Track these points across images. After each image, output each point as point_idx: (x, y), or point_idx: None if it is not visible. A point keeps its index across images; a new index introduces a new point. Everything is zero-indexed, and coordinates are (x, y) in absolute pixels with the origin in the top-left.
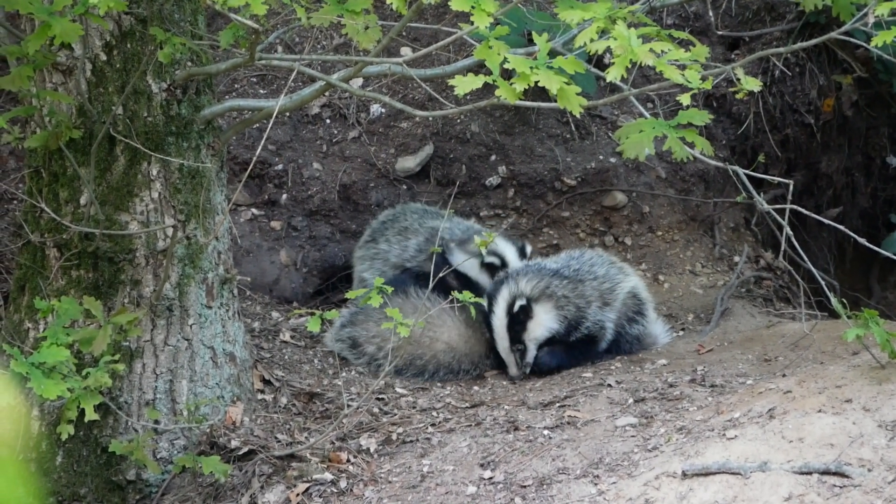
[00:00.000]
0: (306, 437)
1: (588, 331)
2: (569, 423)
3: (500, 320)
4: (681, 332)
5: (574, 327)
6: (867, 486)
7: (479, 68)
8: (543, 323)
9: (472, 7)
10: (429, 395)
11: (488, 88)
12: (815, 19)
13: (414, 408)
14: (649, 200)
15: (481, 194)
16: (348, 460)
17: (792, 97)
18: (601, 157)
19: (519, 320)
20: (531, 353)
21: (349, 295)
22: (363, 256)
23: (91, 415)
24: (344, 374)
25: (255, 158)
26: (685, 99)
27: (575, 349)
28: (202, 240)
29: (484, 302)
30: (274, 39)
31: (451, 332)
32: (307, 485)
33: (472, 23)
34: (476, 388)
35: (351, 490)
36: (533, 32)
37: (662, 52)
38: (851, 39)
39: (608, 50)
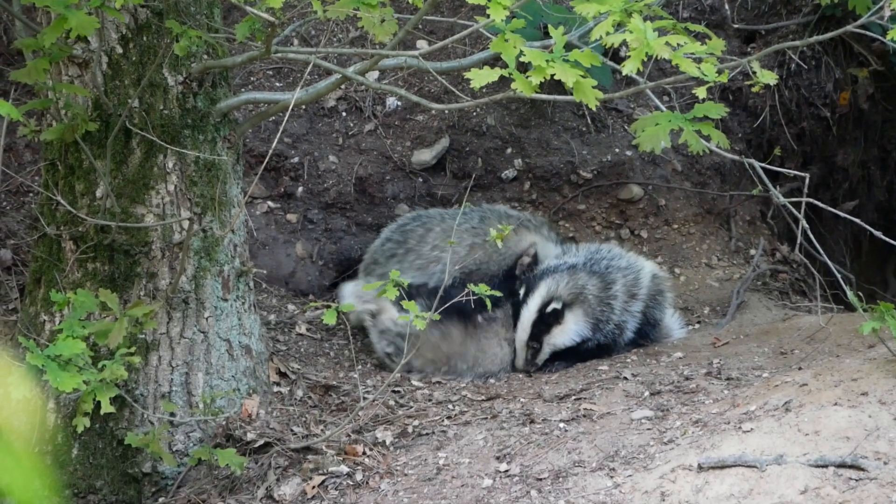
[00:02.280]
0: (322, 430)
1: (605, 337)
2: (584, 415)
3: (528, 314)
4: (697, 325)
5: (598, 328)
6: (883, 479)
7: (495, 61)
8: (569, 332)
9: (488, 0)
10: (445, 388)
11: (504, 81)
12: (831, 12)
13: (430, 400)
14: (665, 193)
15: (497, 187)
16: (364, 453)
17: (808, 90)
18: (617, 150)
19: (546, 322)
20: (543, 356)
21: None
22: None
23: (107, 407)
24: (360, 366)
25: (271, 151)
26: (701, 92)
27: (585, 356)
28: (218, 232)
29: (498, 294)
30: (290, 32)
31: (496, 360)
32: (323, 477)
33: (488, 16)
34: (492, 380)
35: (367, 483)
36: (549, 25)
37: (678, 45)
38: (867, 33)
39: (624, 43)
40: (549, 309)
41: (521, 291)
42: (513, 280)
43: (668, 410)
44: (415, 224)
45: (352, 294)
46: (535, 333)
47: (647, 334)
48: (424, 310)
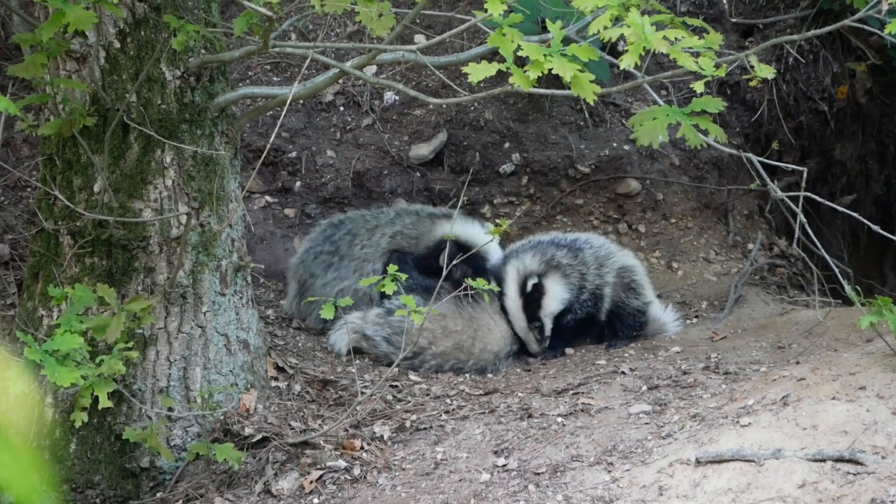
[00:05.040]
0: (320, 425)
1: (581, 309)
2: (582, 410)
3: (513, 302)
4: (694, 320)
5: (578, 295)
6: (881, 473)
7: (493, 56)
8: (556, 296)
9: None
10: (442, 383)
11: (502, 76)
12: (829, 6)
13: (427, 395)
14: (663, 188)
15: (495, 182)
16: (362, 447)
17: (806, 84)
18: (615, 145)
19: (533, 299)
20: (548, 327)
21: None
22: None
23: (105, 402)
24: (357, 361)
25: (268, 146)
26: (699, 86)
27: (575, 332)
28: (216, 227)
29: (496, 288)
30: (288, 27)
31: (496, 334)
32: (321, 472)
33: (486, 10)
34: (490, 375)
35: (364, 477)
36: (546, 20)
37: (676, 39)
38: (865, 27)
39: (622, 37)
40: (530, 287)
41: (494, 285)
42: (431, 262)
43: (666, 405)
44: (341, 233)
45: (340, 331)
46: (530, 316)
47: (632, 324)
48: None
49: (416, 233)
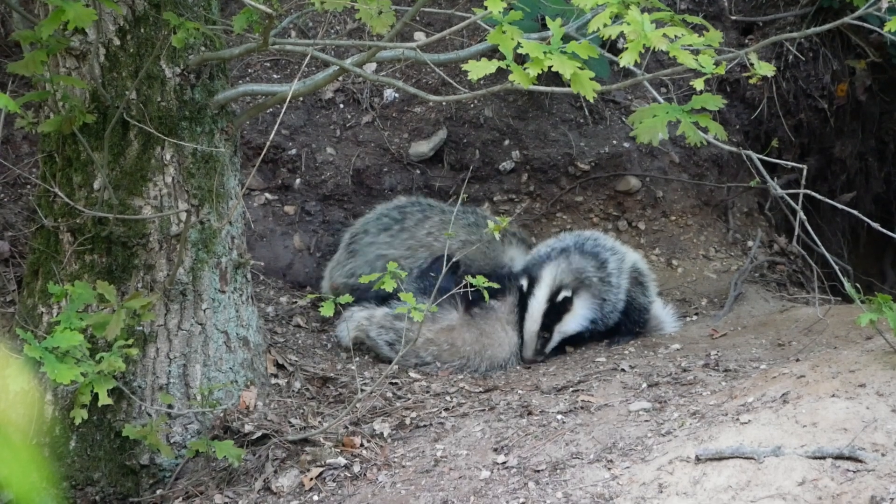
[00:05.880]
0: (320, 422)
1: (602, 320)
2: (582, 407)
3: (538, 304)
4: (694, 317)
5: (601, 308)
6: (881, 470)
7: (493, 53)
8: (578, 317)
9: None
10: (442, 380)
11: (502, 73)
12: (829, 4)
13: (427, 392)
14: (663, 185)
15: (495, 179)
16: (362, 445)
17: (805, 82)
18: (615, 142)
19: (557, 311)
20: (552, 344)
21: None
22: (390, 243)
23: (104, 399)
24: (357, 358)
25: (268, 143)
26: (699, 84)
27: (588, 340)
28: (216, 224)
29: (496, 285)
30: (287, 24)
31: (505, 349)
32: (321, 469)
33: (486, 7)
34: (492, 373)
35: (364, 475)
36: (546, 17)
37: (676, 36)
38: (865, 24)
39: (622, 35)
40: (560, 297)
41: (525, 283)
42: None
43: (666, 402)
44: (414, 208)
45: (344, 323)
46: (546, 323)
47: (636, 321)
48: (415, 293)
49: (486, 249)
